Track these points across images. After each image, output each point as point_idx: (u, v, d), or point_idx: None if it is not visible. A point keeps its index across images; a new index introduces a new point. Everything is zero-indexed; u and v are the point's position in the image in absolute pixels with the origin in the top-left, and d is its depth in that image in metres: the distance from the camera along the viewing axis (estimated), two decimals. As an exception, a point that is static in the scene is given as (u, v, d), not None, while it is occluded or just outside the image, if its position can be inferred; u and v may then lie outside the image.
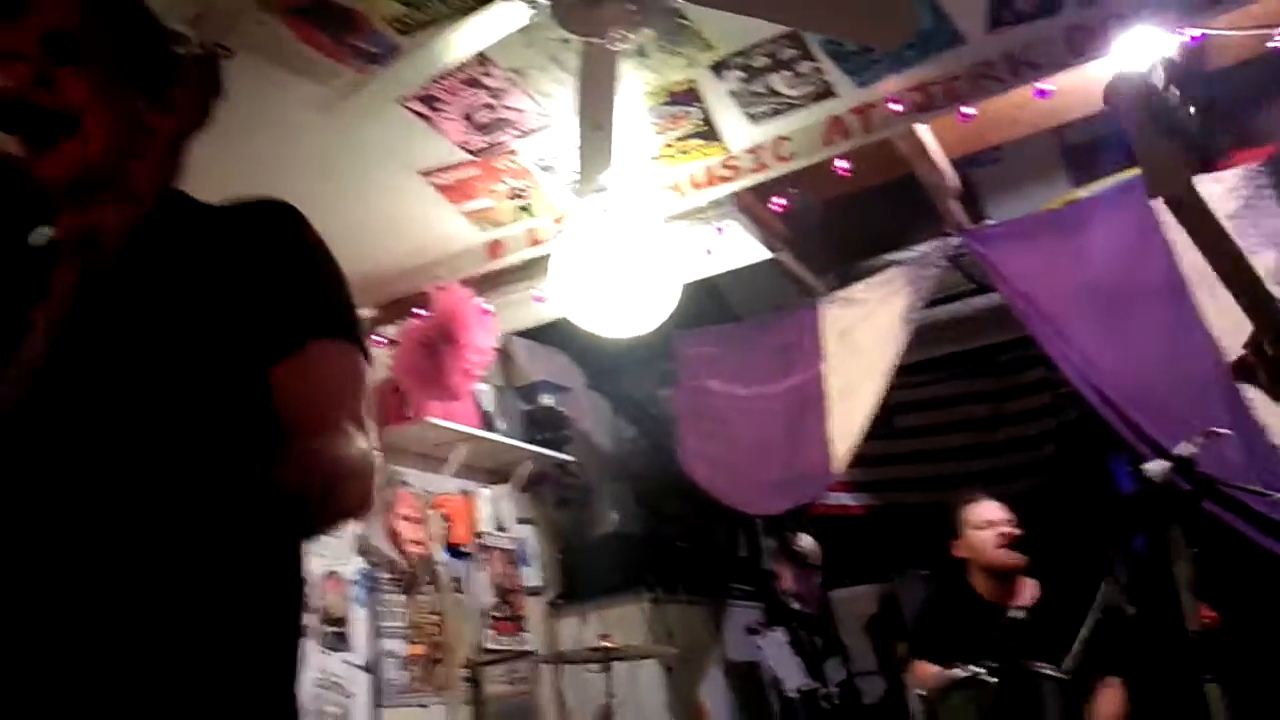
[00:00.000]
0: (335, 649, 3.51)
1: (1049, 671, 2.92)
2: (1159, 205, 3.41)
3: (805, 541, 5.03)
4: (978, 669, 2.93)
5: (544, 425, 4.57)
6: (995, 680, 2.90)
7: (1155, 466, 2.60)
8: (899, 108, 2.94)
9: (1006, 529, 3.27)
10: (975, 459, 5.18)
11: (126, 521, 1.03)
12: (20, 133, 1.15)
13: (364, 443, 1.13)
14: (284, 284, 1.17)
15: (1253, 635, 3.56)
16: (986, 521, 3.29)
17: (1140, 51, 2.82)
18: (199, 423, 0.98)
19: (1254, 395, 3.16)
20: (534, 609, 4.51)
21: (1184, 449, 2.54)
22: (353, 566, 3.70)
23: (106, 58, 1.19)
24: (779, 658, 4.69)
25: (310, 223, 1.24)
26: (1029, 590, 3.28)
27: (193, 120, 0.90)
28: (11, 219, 1.21)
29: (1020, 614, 3.18)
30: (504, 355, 4.74)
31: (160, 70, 1.24)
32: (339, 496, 1.06)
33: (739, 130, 3.06)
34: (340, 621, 3.57)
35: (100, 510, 1.04)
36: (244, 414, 1.10)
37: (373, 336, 4.01)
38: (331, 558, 3.61)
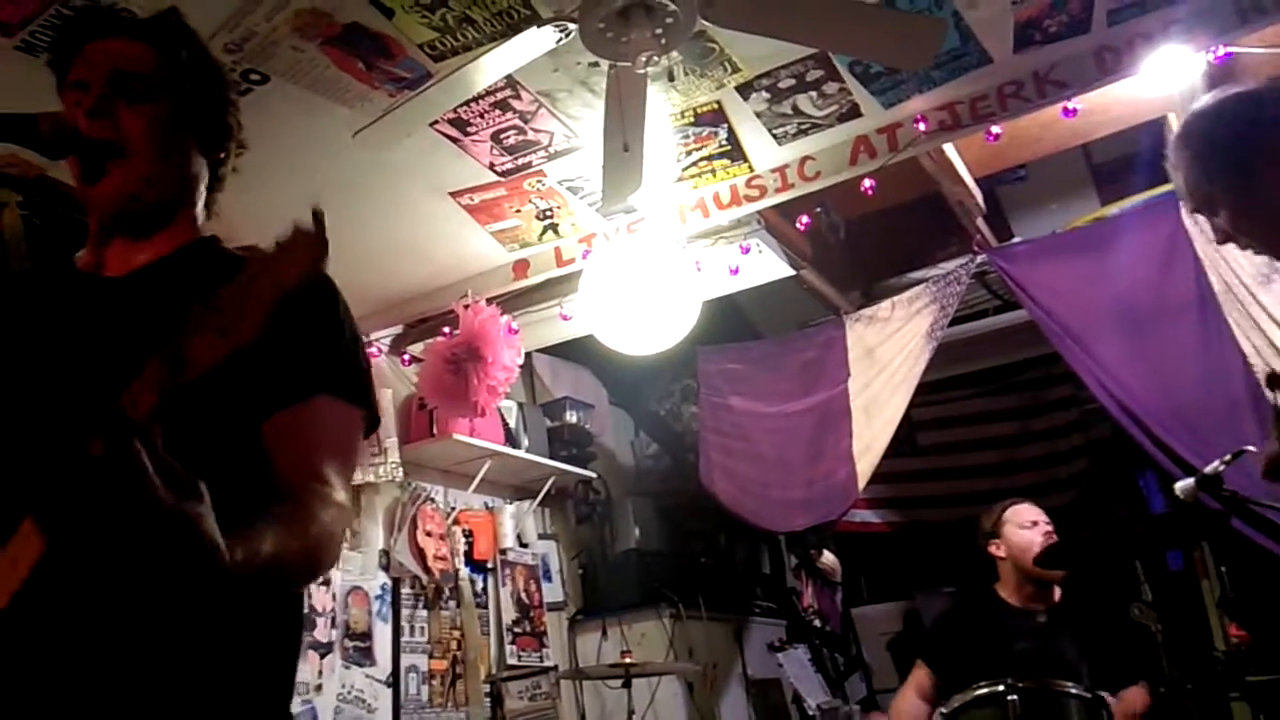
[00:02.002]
0: (358, 663, 3.53)
1: (1075, 690, 2.90)
2: (1188, 222, 3.43)
3: (827, 558, 5.04)
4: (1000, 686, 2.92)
5: (567, 441, 4.58)
6: (1017, 698, 2.88)
7: (1184, 485, 2.60)
8: (925, 127, 2.94)
9: (1049, 529, 3.26)
10: (1001, 476, 5.16)
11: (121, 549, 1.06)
12: (76, 155, 1.23)
13: (342, 498, 1.19)
14: (299, 338, 1.19)
15: (1281, 654, 3.53)
16: (1031, 521, 3.28)
17: (1168, 71, 2.82)
18: (199, 465, 1.01)
19: (1284, 412, 3.14)
20: (555, 624, 4.51)
21: (1213, 467, 2.53)
22: (377, 581, 3.72)
23: (167, 103, 1.28)
24: (800, 675, 4.69)
25: (334, 282, 1.28)
26: (1057, 598, 3.27)
27: (295, 279, 0.95)
28: (59, 243, 1.27)
29: (1044, 618, 3.18)
30: (528, 372, 4.76)
31: (219, 126, 1.37)
32: (321, 563, 1.15)
33: (764, 150, 3.06)
34: (364, 636, 3.59)
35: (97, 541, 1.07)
36: (239, 458, 1.14)
37: (400, 354, 4.05)
38: (356, 573, 3.63)
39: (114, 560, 0.94)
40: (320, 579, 1.18)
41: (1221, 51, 2.74)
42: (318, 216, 0.91)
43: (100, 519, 0.84)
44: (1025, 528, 3.26)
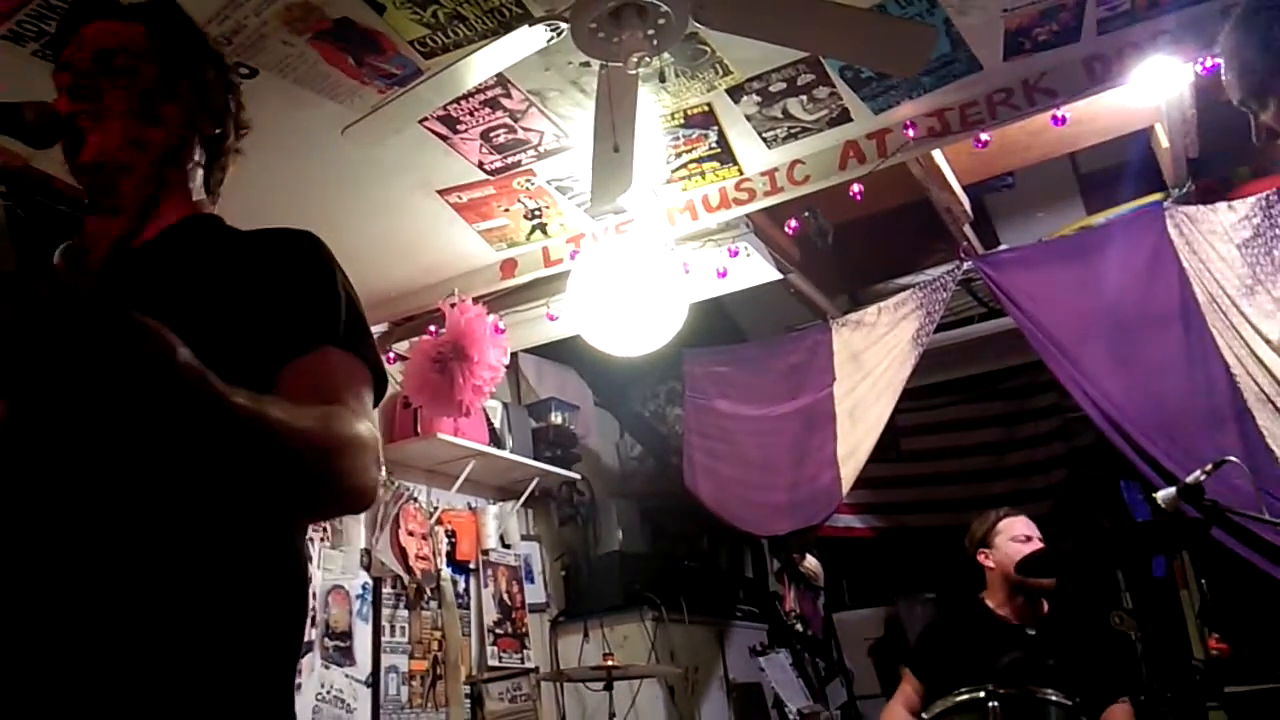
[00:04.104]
0: (338, 663, 3.50)
1: (1055, 698, 2.91)
2: (1173, 233, 3.45)
3: (810, 563, 5.03)
4: (981, 692, 2.92)
5: (552, 443, 4.57)
6: (998, 704, 2.88)
7: (1166, 494, 2.61)
8: (914, 134, 2.95)
9: (1043, 547, 3.24)
10: (985, 483, 5.18)
11: (122, 513, 1.03)
12: (62, 137, 1.22)
13: (371, 427, 1.11)
14: (301, 295, 1.20)
15: (1260, 664, 3.56)
16: (1025, 536, 3.26)
17: (1156, 81, 2.84)
18: None
19: (1265, 423, 3.17)
20: (537, 626, 4.50)
21: (1194, 477, 2.55)
22: (358, 581, 3.70)
23: (150, 74, 1.28)
24: (782, 679, 4.69)
25: (332, 253, 1.27)
26: (1046, 610, 3.27)
27: (182, 138, 0.93)
28: (44, 236, 1.26)
29: (1034, 630, 3.17)
30: (514, 372, 4.75)
31: (213, 101, 1.36)
32: (346, 465, 1.04)
33: (754, 153, 3.07)
34: (344, 636, 3.56)
35: (97, 504, 1.03)
36: None
37: (385, 352, 4.03)
38: (337, 572, 3.61)
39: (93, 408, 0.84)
40: (354, 493, 1.02)
41: (1209, 62, 2.75)
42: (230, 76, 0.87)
43: (55, 351, 0.79)
44: (1019, 541, 3.23)
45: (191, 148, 1.34)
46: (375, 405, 1.24)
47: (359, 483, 1.07)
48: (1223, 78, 1.74)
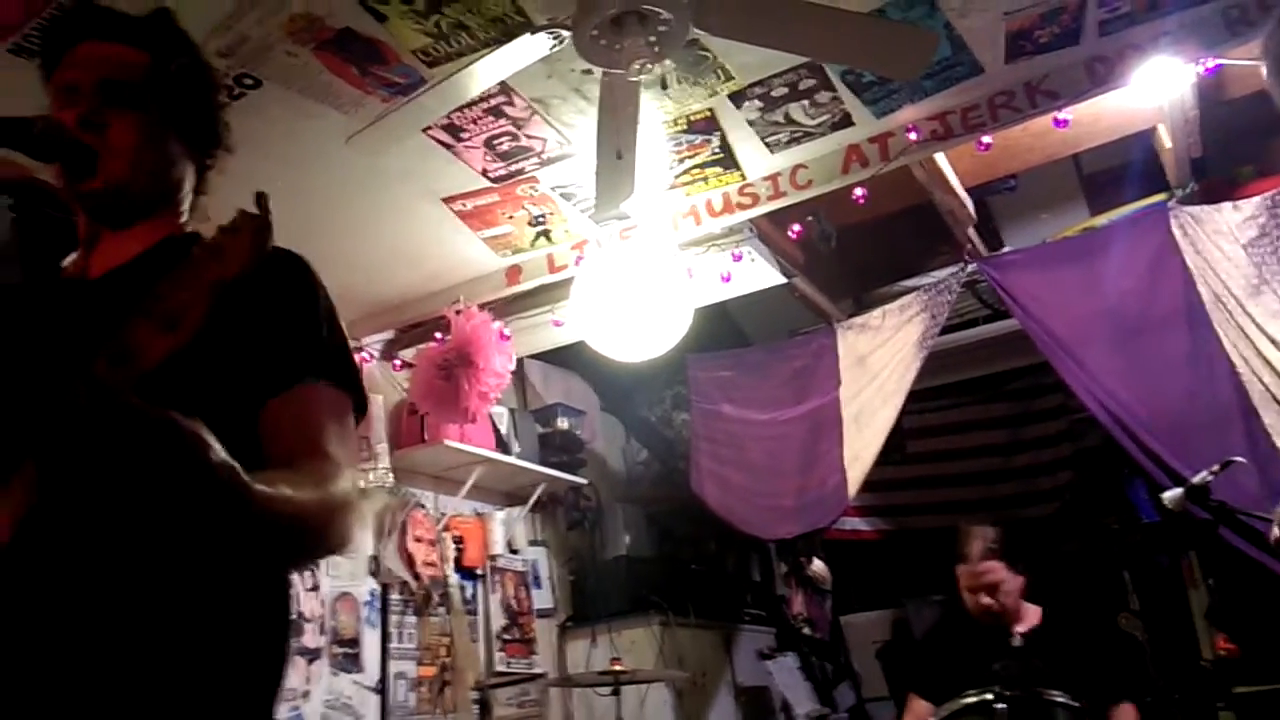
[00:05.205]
0: (346, 670, 3.51)
1: (1063, 700, 2.90)
2: (1178, 233, 3.45)
3: (817, 566, 5.03)
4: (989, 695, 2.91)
5: (558, 448, 4.57)
6: (1006, 706, 2.87)
7: (1172, 495, 2.61)
8: (917, 137, 2.96)
9: (989, 603, 3.14)
10: (992, 484, 5.17)
11: (113, 547, 1.05)
12: (61, 162, 1.23)
13: (353, 477, 1.16)
14: (284, 326, 1.20)
15: (1269, 665, 3.55)
16: (969, 590, 3.16)
17: (1158, 82, 2.84)
18: None
19: (1271, 422, 3.17)
20: (544, 631, 4.50)
21: (1200, 477, 2.55)
22: (365, 587, 3.71)
23: (156, 109, 1.28)
24: (789, 682, 4.68)
25: (316, 273, 1.28)
26: (1031, 616, 3.24)
27: (243, 268, 0.95)
28: (43, 244, 1.27)
29: (1019, 641, 3.15)
30: (520, 378, 4.76)
31: (208, 132, 1.37)
32: (336, 530, 1.10)
33: (757, 158, 3.07)
34: (352, 642, 3.57)
35: (88, 535, 1.05)
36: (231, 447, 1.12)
37: (391, 360, 4.04)
38: (345, 579, 3.62)
39: (123, 495, 0.91)
40: (338, 549, 1.12)
41: (1211, 63, 2.76)
42: (261, 200, 0.91)
43: (93, 451, 0.83)
44: (970, 590, 3.16)
45: (190, 175, 1.36)
46: (356, 425, 1.29)
47: (342, 541, 1.14)
48: (1265, 79, 1.73)
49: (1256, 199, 3.27)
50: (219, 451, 0.90)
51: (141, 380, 0.90)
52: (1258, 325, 3.20)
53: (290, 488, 1.03)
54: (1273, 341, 3.17)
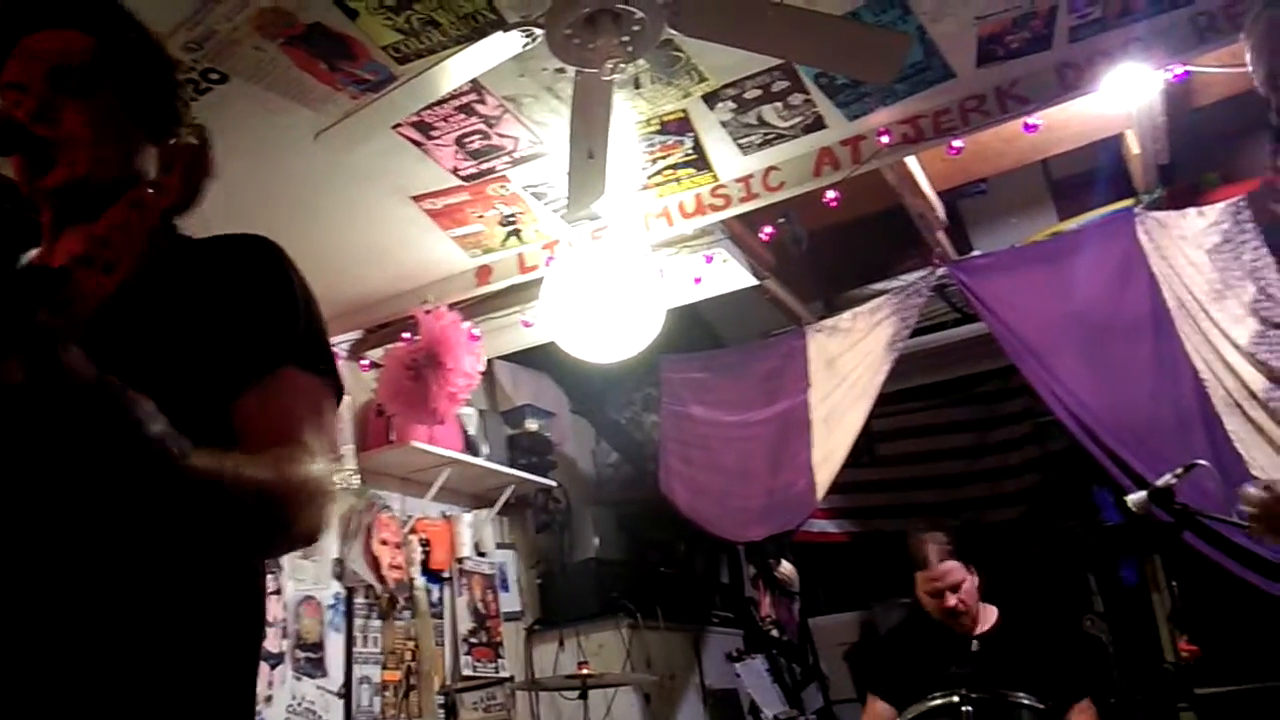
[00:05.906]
0: (309, 674, 3.45)
1: (1028, 701, 2.93)
2: (1143, 238, 3.48)
3: (786, 568, 5.03)
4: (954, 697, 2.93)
5: (527, 450, 4.54)
6: (971, 709, 2.89)
7: (1136, 498, 2.63)
8: (888, 140, 2.97)
9: (951, 600, 3.18)
10: (959, 487, 5.21)
11: (76, 539, 1.02)
12: (20, 154, 1.20)
13: (326, 465, 1.13)
14: (258, 313, 1.18)
15: (1230, 666, 3.60)
16: (929, 594, 3.23)
17: (1127, 88, 2.87)
18: None
19: (1234, 428, 3.21)
20: (512, 635, 4.47)
21: (1164, 480, 2.57)
22: (330, 591, 3.65)
23: (108, 92, 1.25)
24: (758, 685, 4.67)
25: (290, 258, 1.25)
26: (989, 616, 3.27)
27: (182, 199, 0.93)
28: (3, 240, 1.23)
29: (976, 645, 3.18)
30: (489, 379, 4.72)
31: (164, 112, 1.31)
32: (302, 512, 1.07)
33: (729, 160, 3.07)
34: (316, 646, 3.52)
35: (48, 529, 1.02)
36: (207, 438, 1.08)
37: (359, 360, 3.99)
38: (309, 582, 3.56)
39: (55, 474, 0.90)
40: (305, 536, 1.07)
41: (1179, 70, 2.79)
42: (199, 132, 0.89)
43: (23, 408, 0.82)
44: (931, 594, 3.22)
45: (152, 159, 1.31)
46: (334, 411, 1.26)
47: (309, 527, 1.10)
48: (1249, 66, 1.75)
49: (1220, 205, 3.32)
50: (154, 416, 0.89)
51: (114, 368, 0.89)
52: (1221, 330, 3.24)
53: (244, 466, 1.01)
54: (1235, 346, 3.21)
